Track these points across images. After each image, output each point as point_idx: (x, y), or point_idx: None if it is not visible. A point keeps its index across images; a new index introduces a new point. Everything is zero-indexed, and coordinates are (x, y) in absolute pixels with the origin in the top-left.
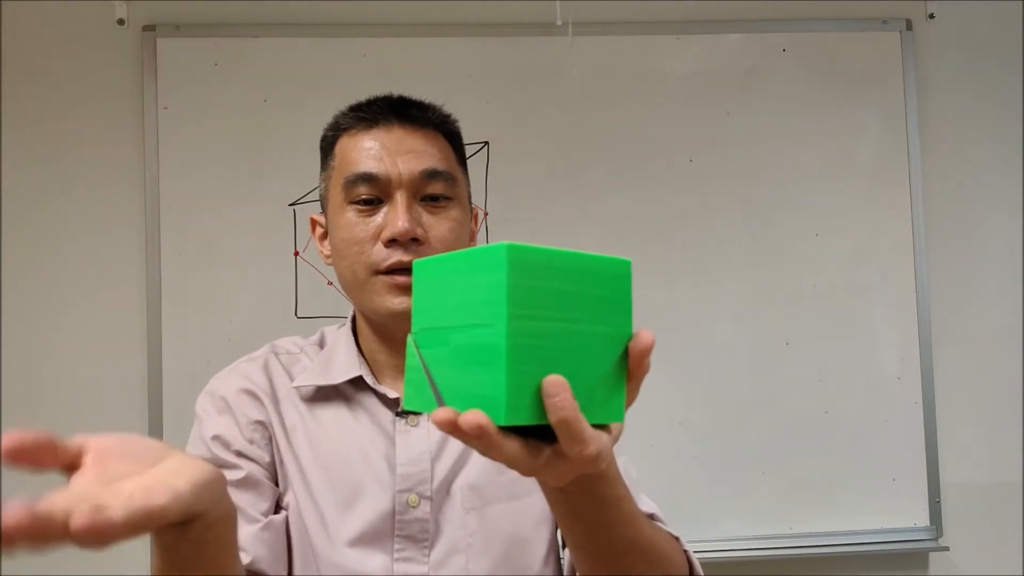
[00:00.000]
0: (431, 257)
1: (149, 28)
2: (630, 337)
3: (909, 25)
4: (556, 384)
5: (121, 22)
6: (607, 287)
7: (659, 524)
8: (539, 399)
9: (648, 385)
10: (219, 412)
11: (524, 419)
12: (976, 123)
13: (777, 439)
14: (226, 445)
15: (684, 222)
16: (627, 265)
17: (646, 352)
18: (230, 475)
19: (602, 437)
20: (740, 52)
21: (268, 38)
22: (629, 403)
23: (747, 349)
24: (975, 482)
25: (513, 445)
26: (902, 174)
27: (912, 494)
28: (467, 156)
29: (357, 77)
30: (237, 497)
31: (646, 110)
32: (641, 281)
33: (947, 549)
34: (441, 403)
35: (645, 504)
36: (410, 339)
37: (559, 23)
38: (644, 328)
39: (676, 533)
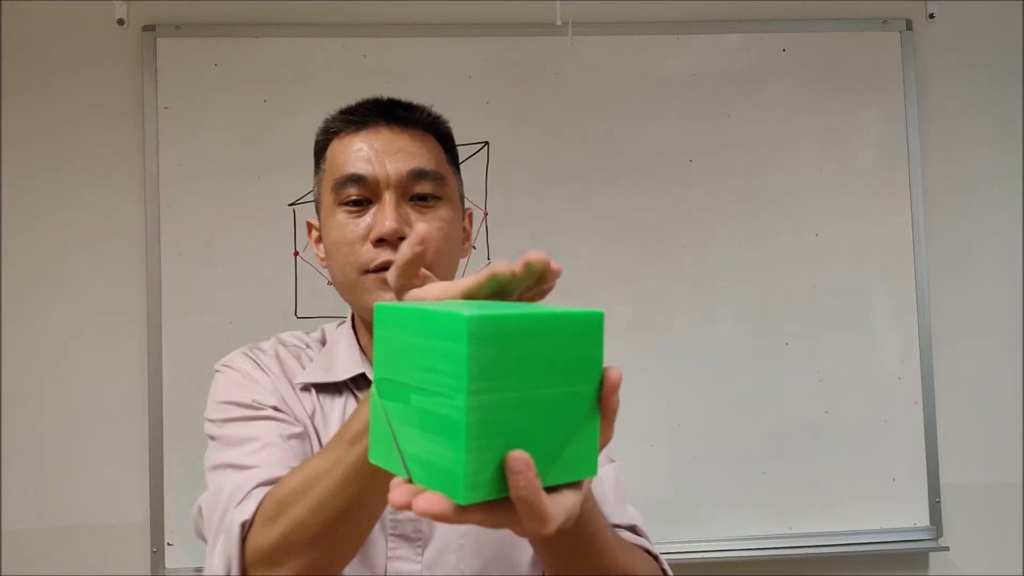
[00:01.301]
0: (391, 304)
1: (149, 28)
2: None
3: (909, 25)
4: (518, 461)
5: (121, 22)
6: (577, 345)
7: (637, 539)
8: (502, 472)
9: (648, 385)
10: (256, 375)
11: (485, 495)
12: (976, 123)
13: (777, 439)
14: (275, 403)
15: (684, 222)
16: (599, 319)
17: (615, 389)
18: (290, 428)
19: (566, 503)
20: (740, 52)
21: (268, 38)
22: (604, 442)
23: (747, 349)
24: (975, 482)
25: (475, 516)
26: (902, 174)
27: (912, 494)
28: (468, 156)
29: (357, 77)
30: (299, 448)
31: (646, 110)
32: (641, 281)
33: (947, 549)
34: (405, 468)
35: (628, 515)
36: (373, 389)
37: (559, 23)
38: (611, 365)
39: (655, 550)
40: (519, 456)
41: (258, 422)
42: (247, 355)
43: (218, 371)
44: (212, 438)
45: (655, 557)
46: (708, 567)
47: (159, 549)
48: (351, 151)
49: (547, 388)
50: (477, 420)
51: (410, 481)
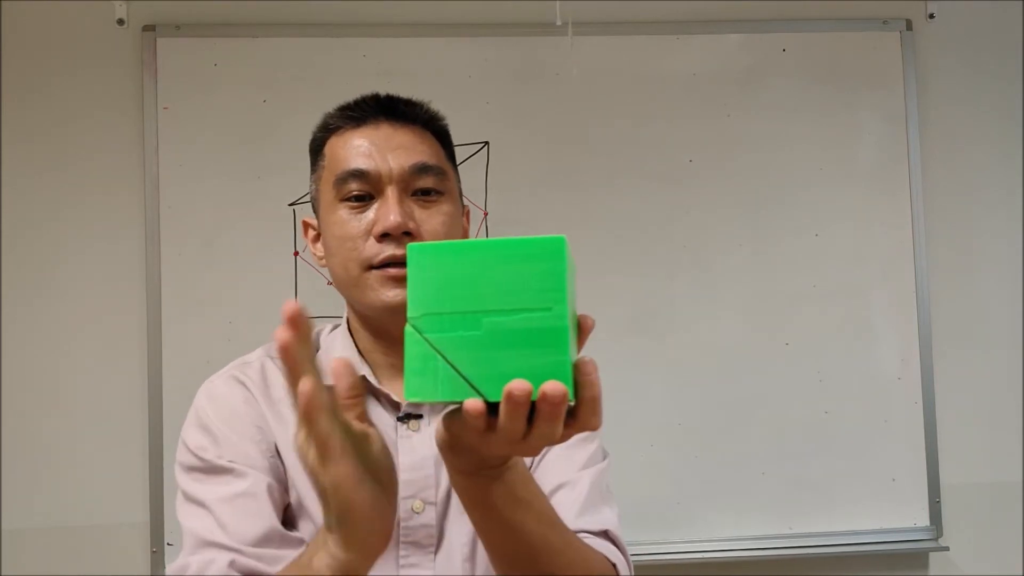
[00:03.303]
0: (433, 243)
1: (149, 28)
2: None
3: (909, 25)
4: (591, 364)
5: (121, 22)
6: (574, 282)
7: (603, 544)
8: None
9: (648, 385)
10: (231, 408)
11: (574, 396)
12: (976, 123)
13: (777, 439)
14: (222, 455)
15: (684, 222)
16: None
17: (590, 331)
18: (238, 485)
19: None
20: (740, 52)
21: (268, 38)
22: (591, 427)
23: (747, 349)
24: (975, 482)
25: (563, 416)
26: (902, 174)
27: (912, 494)
28: (468, 156)
29: (357, 77)
30: (240, 509)
31: (646, 110)
32: (641, 281)
33: (947, 549)
34: (475, 389)
35: (601, 520)
36: (409, 327)
37: (559, 23)
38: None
39: (618, 559)
40: (590, 360)
41: (211, 478)
42: (232, 376)
43: (196, 402)
44: (177, 483)
45: (613, 565)
46: (708, 567)
47: (159, 549)
48: (351, 147)
49: (572, 311)
50: (570, 326)
51: (485, 401)
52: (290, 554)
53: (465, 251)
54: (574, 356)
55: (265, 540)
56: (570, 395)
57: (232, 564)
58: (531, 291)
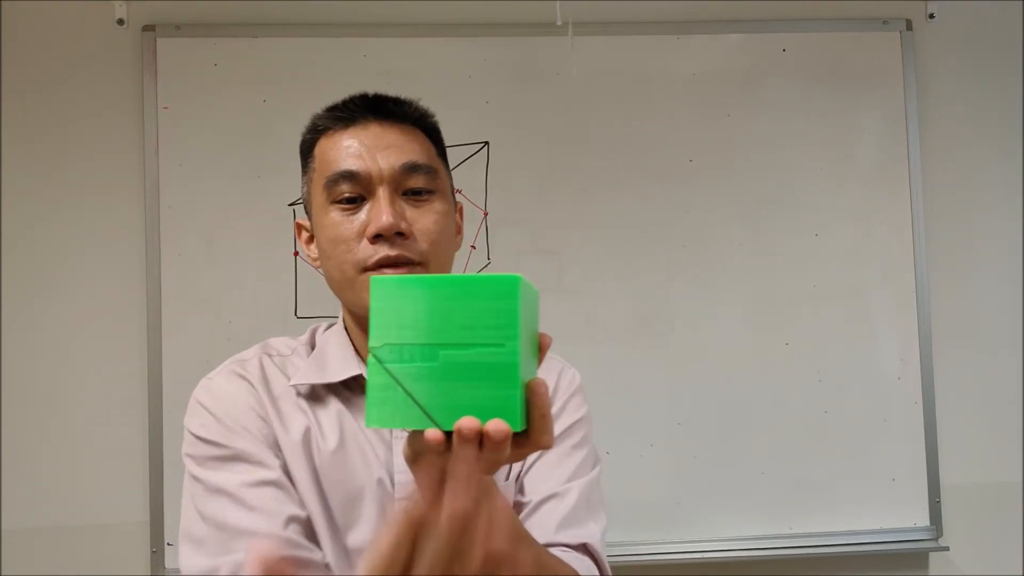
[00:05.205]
0: (395, 277)
1: (149, 28)
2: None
3: (909, 25)
4: (541, 385)
5: (121, 22)
6: (535, 309)
7: (579, 559)
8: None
9: (648, 385)
10: (237, 400)
11: (523, 425)
12: (976, 123)
13: (777, 439)
14: (234, 443)
15: (684, 222)
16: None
17: (548, 347)
18: (257, 473)
19: None
20: (740, 52)
21: (268, 38)
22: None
23: (747, 349)
24: (975, 482)
25: (509, 447)
26: (902, 174)
27: (912, 494)
28: (468, 156)
29: (357, 77)
30: (267, 495)
31: (646, 110)
32: (641, 281)
33: (947, 549)
34: (431, 419)
35: (584, 533)
36: (371, 357)
37: (559, 23)
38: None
39: (586, 572)
40: (542, 381)
41: (228, 465)
42: (232, 372)
43: (197, 396)
44: (192, 476)
45: None
46: (708, 567)
47: (159, 549)
48: (341, 148)
49: (529, 342)
50: (523, 359)
51: (444, 431)
52: (316, 551)
53: (425, 286)
54: (530, 377)
55: (296, 526)
56: (519, 424)
57: (285, 541)
58: (486, 327)
